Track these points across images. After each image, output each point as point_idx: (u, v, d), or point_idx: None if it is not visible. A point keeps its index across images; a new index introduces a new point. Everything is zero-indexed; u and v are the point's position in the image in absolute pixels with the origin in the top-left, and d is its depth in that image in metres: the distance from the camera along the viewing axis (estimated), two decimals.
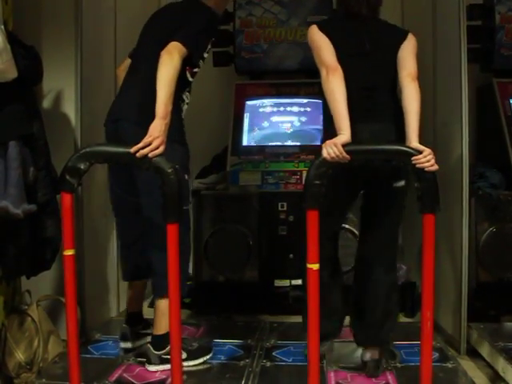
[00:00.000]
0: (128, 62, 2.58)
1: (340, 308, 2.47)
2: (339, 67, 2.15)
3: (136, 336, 2.60)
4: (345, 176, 2.21)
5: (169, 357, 2.10)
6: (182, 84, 2.33)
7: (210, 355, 2.49)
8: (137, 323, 2.63)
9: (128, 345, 2.58)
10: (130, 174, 2.37)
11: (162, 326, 2.34)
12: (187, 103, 2.49)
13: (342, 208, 2.42)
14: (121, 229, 2.64)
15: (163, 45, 2.22)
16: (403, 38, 2.27)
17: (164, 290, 2.11)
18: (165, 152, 2.06)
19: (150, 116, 2.10)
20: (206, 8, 2.41)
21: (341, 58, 2.19)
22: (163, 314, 2.28)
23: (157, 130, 2.03)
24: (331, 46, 2.21)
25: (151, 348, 2.39)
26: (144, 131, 2.05)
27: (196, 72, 2.45)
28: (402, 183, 2.26)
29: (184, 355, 2.37)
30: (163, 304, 2.28)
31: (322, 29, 2.26)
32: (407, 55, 2.23)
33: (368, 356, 2.35)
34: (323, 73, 2.17)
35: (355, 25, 2.28)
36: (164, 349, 2.33)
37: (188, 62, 2.31)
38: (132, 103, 2.32)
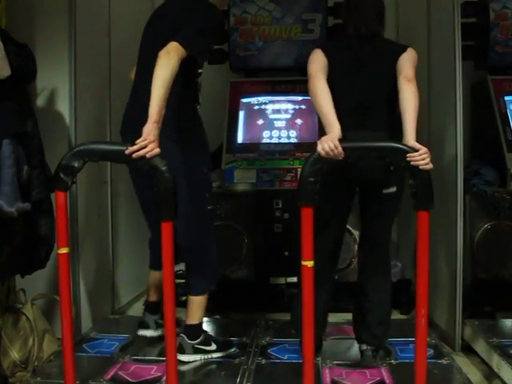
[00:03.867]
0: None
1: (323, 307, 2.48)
2: (319, 73, 2.23)
3: (155, 325, 2.65)
4: (337, 183, 2.30)
5: (201, 347, 2.47)
6: (190, 85, 2.36)
7: (234, 349, 2.57)
8: (155, 312, 2.66)
9: (146, 332, 2.64)
10: (145, 172, 2.36)
11: (196, 316, 2.50)
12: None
13: (339, 214, 2.45)
14: (149, 223, 2.65)
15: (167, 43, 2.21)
16: (402, 51, 2.31)
17: (201, 291, 2.47)
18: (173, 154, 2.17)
19: (165, 122, 2.11)
20: (208, 5, 2.39)
21: (339, 73, 2.25)
22: (198, 307, 2.49)
23: (152, 133, 2.02)
24: (323, 60, 2.29)
25: (185, 337, 2.45)
26: (164, 139, 2.08)
27: (200, 72, 2.43)
28: (392, 189, 2.29)
29: (214, 347, 2.50)
30: (199, 299, 2.48)
31: (323, 50, 2.33)
32: (405, 62, 2.27)
33: (364, 345, 2.41)
34: (308, 82, 2.25)
35: (358, 42, 2.34)
36: (198, 338, 2.49)
37: (192, 63, 2.30)
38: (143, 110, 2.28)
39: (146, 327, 2.66)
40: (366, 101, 2.30)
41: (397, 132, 2.13)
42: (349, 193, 2.41)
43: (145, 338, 2.64)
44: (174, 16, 2.38)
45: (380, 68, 2.31)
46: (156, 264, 2.63)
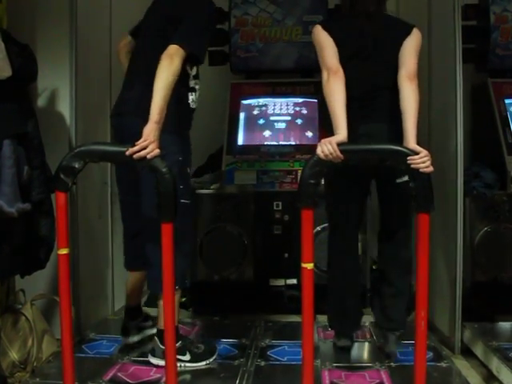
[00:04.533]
0: (127, 39, 2.60)
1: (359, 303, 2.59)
2: (341, 69, 2.18)
3: (137, 329, 2.63)
4: (350, 175, 2.30)
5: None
6: (183, 77, 2.35)
7: (214, 357, 2.49)
8: (136, 316, 2.65)
9: (130, 339, 2.60)
10: (130, 174, 2.38)
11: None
12: (198, 88, 2.48)
13: (355, 204, 2.47)
14: (124, 221, 2.62)
15: (163, 37, 2.24)
16: (407, 33, 2.27)
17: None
18: (166, 144, 2.13)
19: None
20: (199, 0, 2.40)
21: (343, 60, 2.21)
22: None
23: (152, 134, 2.04)
24: (334, 47, 2.23)
25: (157, 341, 2.39)
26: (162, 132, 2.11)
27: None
28: (405, 178, 2.26)
29: (188, 357, 2.41)
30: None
31: (325, 28, 2.28)
32: (408, 53, 2.24)
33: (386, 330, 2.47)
34: (324, 75, 2.20)
35: (359, 23, 2.29)
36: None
37: (191, 60, 2.32)
38: (135, 97, 2.32)
39: (127, 334, 2.61)
40: (372, 90, 2.27)
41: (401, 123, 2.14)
42: (363, 182, 2.42)
43: (127, 344, 2.59)
44: (169, 11, 2.39)
45: (385, 54, 2.27)
46: (130, 264, 2.62)
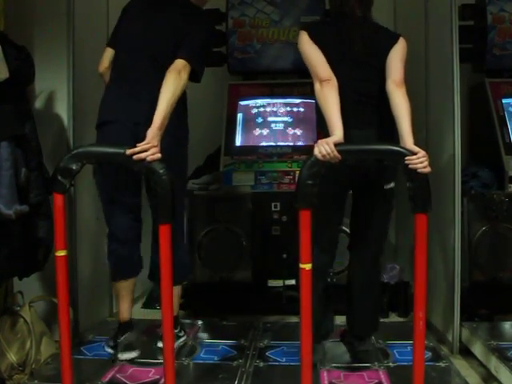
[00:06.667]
0: (109, 53, 2.57)
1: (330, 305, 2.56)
2: (333, 77, 2.18)
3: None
4: (333, 177, 2.23)
5: (180, 334, 2.66)
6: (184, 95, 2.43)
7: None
8: (131, 330, 2.57)
9: (133, 354, 2.48)
10: (125, 175, 2.37)
11: (176, 308, 2.64)
12: None
13: (334, 209, 2.43)
14: (120, 225, 2.54)
15: (174, 50, 2.32)
16: (394, 41, 2.28)
17: (179, 279, 2.44)
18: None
19: (172, 124, 2.23)
20: (207, 17, 2.49)
21: (332, 64, 2.21)
22: (178, 297, 2.64)
23: (155, 139, 2.09)
24: (322, 55, 2.23)
25: None
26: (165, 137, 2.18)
27: None
28: (391, 185, 2.29)
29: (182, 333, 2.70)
30: (179, 289, 2.59)
31: (312, 36, 2.27)
32: (394, 61, 2.25)
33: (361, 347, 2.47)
34: (317, 85, 2.21)
35: (347, 28, 2.29)
36: (176, 328, 2.58)
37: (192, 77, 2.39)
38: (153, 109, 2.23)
39: (133, 349, 2.49)
40: (360, 95, 2.27)
41: (390, 128, 2.16)
42: (342, 188, 2.39)
43: (131, 360, 2.47)
44: (176, 22, 2.42)
45: (373, 60, 2.27)
46: (123, 273, 2.58)
